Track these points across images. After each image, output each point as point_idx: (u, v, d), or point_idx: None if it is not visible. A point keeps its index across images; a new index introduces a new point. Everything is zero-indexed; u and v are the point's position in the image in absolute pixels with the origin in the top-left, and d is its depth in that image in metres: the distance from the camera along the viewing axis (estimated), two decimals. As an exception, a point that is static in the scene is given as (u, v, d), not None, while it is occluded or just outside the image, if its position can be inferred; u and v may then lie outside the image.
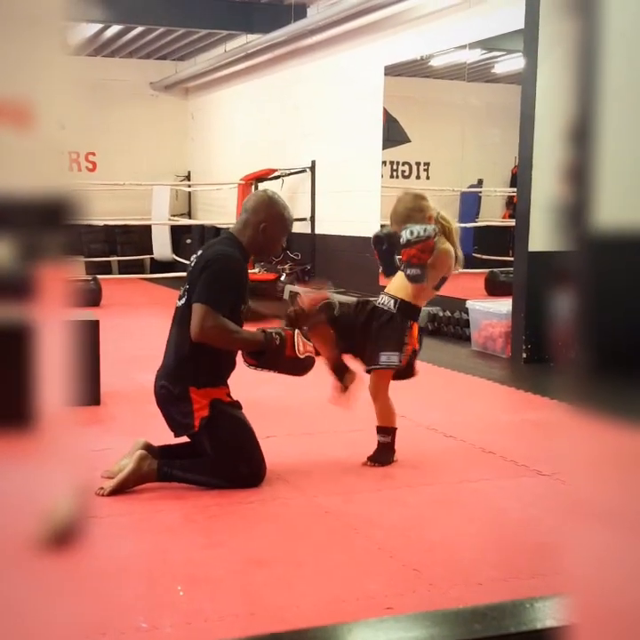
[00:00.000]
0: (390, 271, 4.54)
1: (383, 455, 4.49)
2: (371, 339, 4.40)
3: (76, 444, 0.92)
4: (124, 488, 3.90)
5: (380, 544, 3.46)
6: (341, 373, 4.38)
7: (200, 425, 3.94)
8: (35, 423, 0.84)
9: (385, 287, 4.58)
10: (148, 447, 4.07)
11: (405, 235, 4.21)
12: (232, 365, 4.16)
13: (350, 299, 4.32)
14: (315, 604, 2.92)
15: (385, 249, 4.51)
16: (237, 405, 4.11)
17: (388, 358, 4.34)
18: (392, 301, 4.41)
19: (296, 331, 4.07)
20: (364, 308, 4.51)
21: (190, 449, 4.12)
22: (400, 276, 4.42)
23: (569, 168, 0.84)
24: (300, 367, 4.09)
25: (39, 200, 0.83)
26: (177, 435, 4.08)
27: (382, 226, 4.53)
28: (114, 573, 3.11)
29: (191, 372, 4.00)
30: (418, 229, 4.20)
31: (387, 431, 4.51)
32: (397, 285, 4.44)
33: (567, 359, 0.86)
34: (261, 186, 12.06)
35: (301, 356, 4.03)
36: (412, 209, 4.37)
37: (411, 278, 4.29)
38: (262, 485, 4.04)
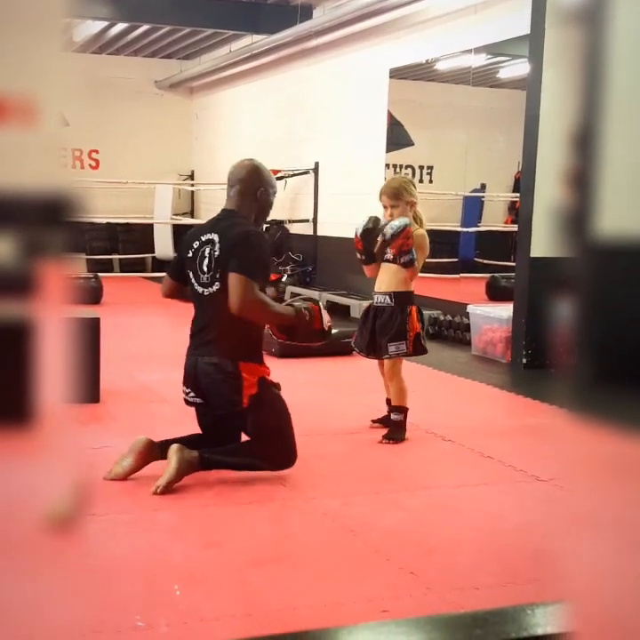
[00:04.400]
0: (370, 260, 5.01)
1: (397, 433, 4.93)
2: (377, 334, 4.96)
3: (74, 441, 0.92)
4: (174, 483, 3.92)
5: (377, 547, 3.46)
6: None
7: (249, 402, 4.00)
8: (34, 420, 0.84)
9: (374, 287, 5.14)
10: (151, 444, 4.08)
11: (388, 231, 4.75)
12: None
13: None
14: (311, 606, 2.92)
15: (369, 240, 4.95)
16: (278, 386, 4.19)
17: (397, 348, 4.89)
18: (387, 297, 4.97)
19: (320, 304, 4.27)
20: (366, 314, 5.08)
21: (195, 439, 4.15)
22: (385, 272, 4.99)
23: (572, 174, 0.84)
24: (323, 338, 4.29)
25: (40, 197, 0.83)
26: (220, 411, 4.11)
27: (368, 221, 4.96)
28: (111, 571, 3.11)
29: (244, 348, 4.06)
30: (396, 224, 4.75)
31: (400, 410, 4.96)
32: (387, 281, 4.99)
33: (567, 366, 0.87)
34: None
35: (326, 329, 4.23)
36: (404, 188, 4.96)
37: (406, 264, 4.82)
38: (259, 486, 4.04)
